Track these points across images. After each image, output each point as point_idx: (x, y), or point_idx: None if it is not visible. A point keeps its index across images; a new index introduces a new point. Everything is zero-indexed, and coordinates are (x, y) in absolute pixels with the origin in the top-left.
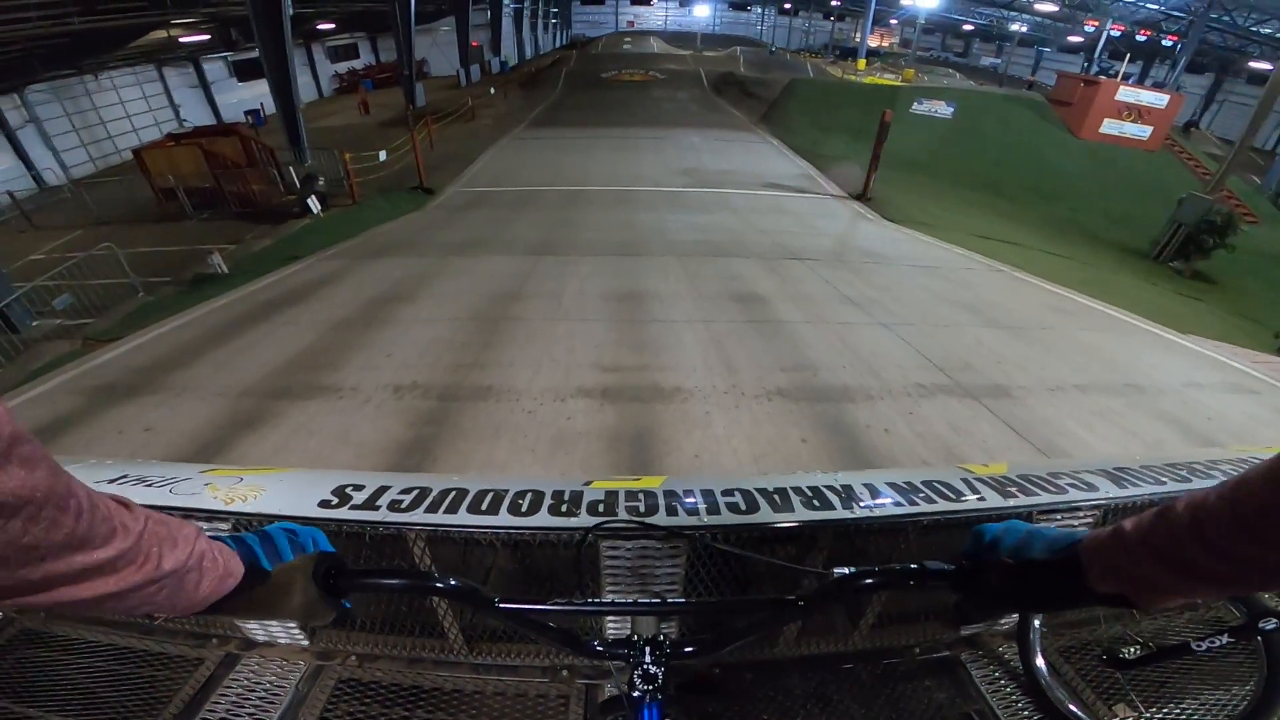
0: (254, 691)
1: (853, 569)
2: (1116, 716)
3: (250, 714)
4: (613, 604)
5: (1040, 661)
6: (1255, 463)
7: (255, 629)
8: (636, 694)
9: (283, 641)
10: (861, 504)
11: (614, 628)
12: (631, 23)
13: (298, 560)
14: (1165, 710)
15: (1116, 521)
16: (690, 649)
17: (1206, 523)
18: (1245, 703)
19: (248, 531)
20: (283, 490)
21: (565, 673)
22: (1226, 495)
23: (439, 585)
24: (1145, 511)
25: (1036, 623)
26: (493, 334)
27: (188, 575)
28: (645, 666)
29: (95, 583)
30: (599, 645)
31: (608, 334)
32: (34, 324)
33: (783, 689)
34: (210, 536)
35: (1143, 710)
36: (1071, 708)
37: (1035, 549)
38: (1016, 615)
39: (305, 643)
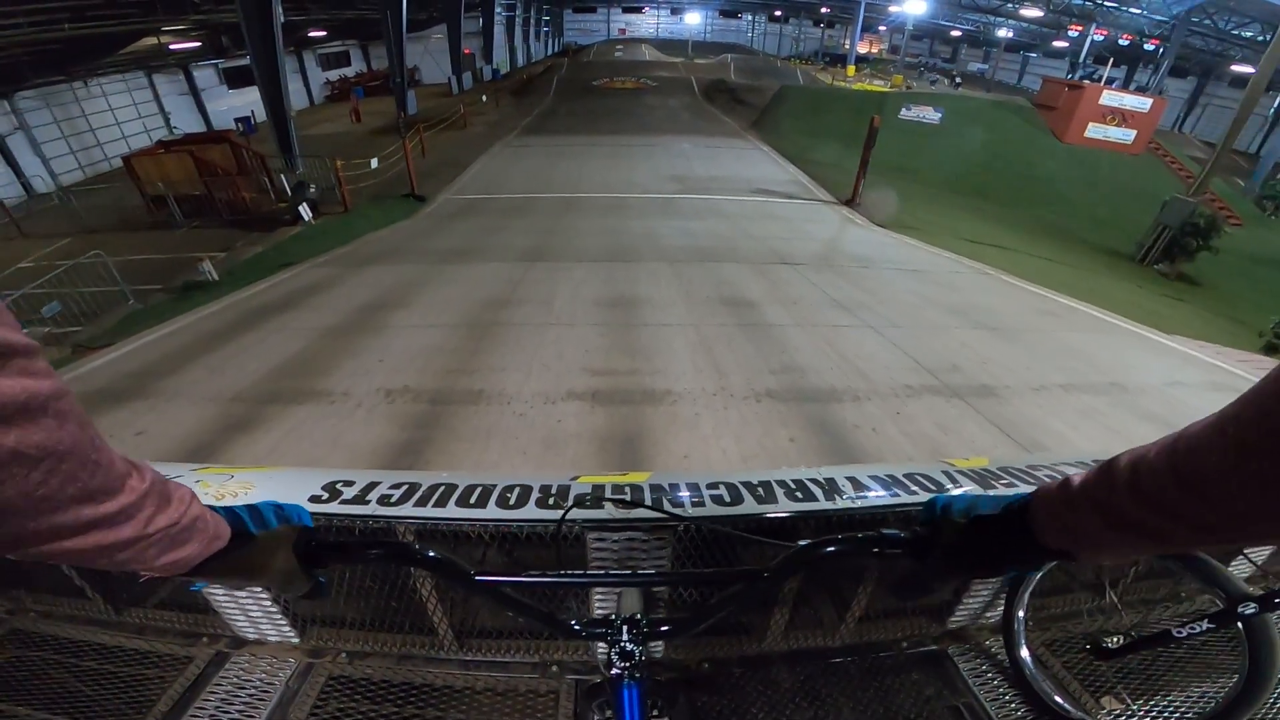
0: (244, 689)
1: (815, 539)
2: (1104, 708)
3: (240, 711)
4: (583, 574)
5: (1026, 654)
6: None
7: (245, 625)
8: (615, 672)
9: (273, 639)
10: (844, 496)
11: (597, 611)
12: (623, 30)
13: (281, 529)
14: (1153, 700)
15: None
16: (666, 627)
17: (1144, 476)
18: (1230, 689)
19: (238, 504)
20: (273, 487)
21: (555, 668)
22: (1165, 449)
23: (416, 555)
24: (1094, 465)
25: (1021, 614)
26: (484, 339)
27: (179, 534)
28: (623, 644)
29: (93, 535)
30: (576, 624)
31: (598, 339)
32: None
33: (771, 683)
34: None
35: (1129, 702)
36: (1058, 699)
37: (985, 507)
38: (1002, 608)
39: (295, 640)
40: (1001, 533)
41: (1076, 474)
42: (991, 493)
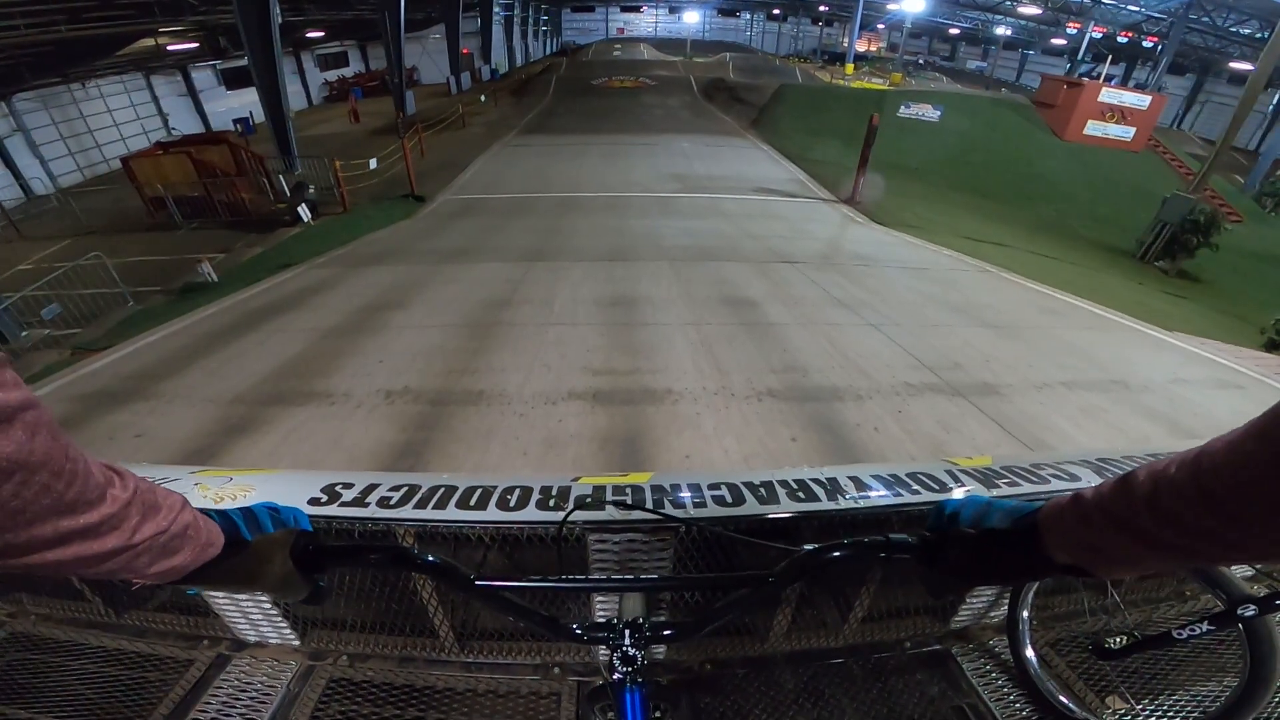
0: (245, 692)
1: (820, 544)
2: (1109, 708)
3: (241, 714)
4: (586, 579)
5: (1030, 654)
6: None
7: (246, 628)
8: (618, 677)
9: (274, 642)
10: (847, 496)
11: (599, 614)
12: (621, 30)
13: (278, 534)
14: (1157, 701)
15: (1078, 490)
16: (669, 631)
17: (1166, 494)
18: (1232, 690)
19: (232, 507)
20: (272, 489)
21: (557, 669)
22: (1189, 465)
23: (416, 560)
24: (1107, 480)
25: (1025, 614)
26: (484, 340)
27: (170, 542)
28: (625, 649)
29: (76, 546)
30: (578, 629)
31: (599, 338)
32: (23, 334)
33: (774, 684)
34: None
35: (1133, 702)
36: (1063, 699)
37: (994, 519)
38: (1006, 608)
39: (296, 643)
40: (1010, 546)
41: (1087, 488)
42: (1000, 499)
